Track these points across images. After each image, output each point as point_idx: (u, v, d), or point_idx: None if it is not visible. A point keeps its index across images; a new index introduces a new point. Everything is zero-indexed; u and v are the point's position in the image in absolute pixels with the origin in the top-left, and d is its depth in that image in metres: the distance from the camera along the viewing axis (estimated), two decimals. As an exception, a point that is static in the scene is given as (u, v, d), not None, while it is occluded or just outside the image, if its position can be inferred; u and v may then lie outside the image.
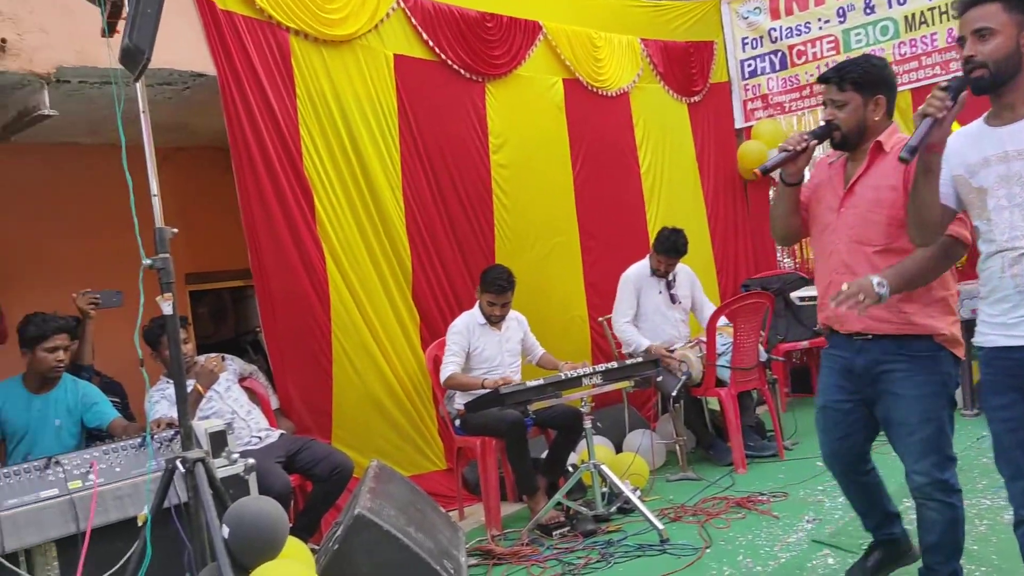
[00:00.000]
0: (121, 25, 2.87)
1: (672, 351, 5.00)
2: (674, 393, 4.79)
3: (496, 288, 4.55)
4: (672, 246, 5.14)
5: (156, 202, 2.75)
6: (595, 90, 6.03)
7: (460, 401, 4.54)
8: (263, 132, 4.26)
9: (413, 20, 4.94)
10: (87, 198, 4.89)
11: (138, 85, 2.74)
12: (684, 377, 4.82)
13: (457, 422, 4.59)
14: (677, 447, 4.98)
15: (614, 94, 6.17)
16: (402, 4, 4.88)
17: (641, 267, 5.29)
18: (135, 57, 2.52)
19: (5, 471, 2.83)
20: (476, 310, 4.68)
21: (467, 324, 4.62)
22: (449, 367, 4.48)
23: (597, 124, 6.01)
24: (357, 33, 4.66)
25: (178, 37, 3.87)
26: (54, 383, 3.80)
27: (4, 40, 3.45)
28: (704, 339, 5.01)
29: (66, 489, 2.88)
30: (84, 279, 4.26)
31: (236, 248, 4.65)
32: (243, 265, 4.52)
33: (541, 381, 4.08)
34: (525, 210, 5.47)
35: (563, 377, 4.11)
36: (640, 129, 6.37)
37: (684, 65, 6.82)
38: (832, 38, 6.73)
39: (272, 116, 4.30)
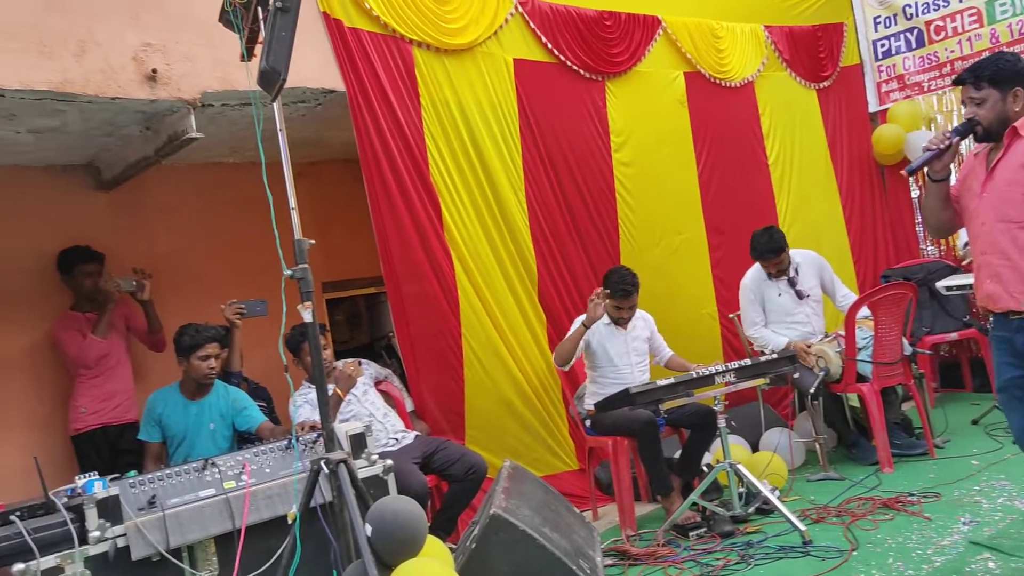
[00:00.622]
0: (258, 50, 3.05)
1: (808, 347, 4.82)
2: (812, 390, 4.63)
3: (621, 293, 4.53)
4: (767, 247, 4.94)
5: (295, 215, 2.88)
6: (718, 82, 5.91)
7: (590, 401, 4.54)
8: (390, 143, 4.39)
9: (531, 24, 4.98)
10: (232, 214, 5.17)
11: (275, 105, 2.89)
12: (822, 373, 4.65)
13: (587, 422, 4.59)
14: (817, 446, 4.81)
15: (738, 85, 6.02)
16: (520, 8, 4.93)
17: (756, 272, 5.11)
18: (272, 79, 2.66)
19: (168, 472, 3.04)
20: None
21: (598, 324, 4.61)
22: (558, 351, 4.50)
23: (721, 116, 5.88)
24: (477, 40, 4.74)
25: (309, 57, 4.04)
26: (208, 389, 4.04)
27: (155, 71, 3.70)
28: (842, 333, 4.81)
29: (222, 489, 3.06)
30: (232, 290, 4.51)
31: (369, 256, 4.82)
32: (376, 272, 4.67)
33: (672, 380, 4.03)
34: (649, 207, 5.42)
35: (694, 375, 4.04)
36: (767, 119, 6.18)
37: (812, 50, 6.58)
38: (974, 10, 6.33)
39: (399, 127, 4.42)
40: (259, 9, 2.94)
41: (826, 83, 6.67)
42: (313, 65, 4.16)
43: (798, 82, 6.48)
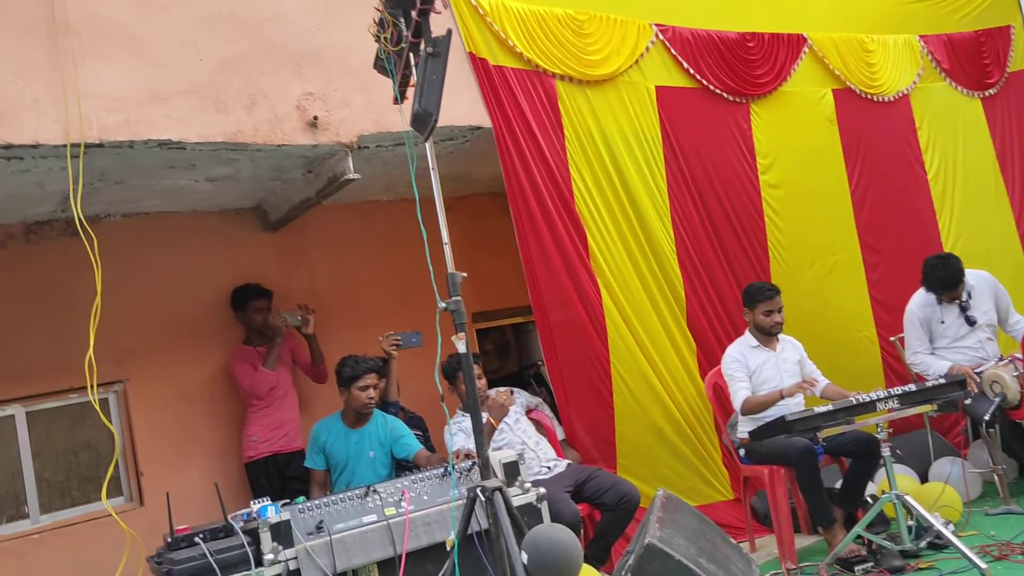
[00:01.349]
0: (410, 92, 3.20)
1: (980, 373, 4.52)
2: (987, 417, 4.32)
3: (767, 294, 4.45)
4: (945, 281, 4.63)
5: (447, 250, 2.99)
6: (869, 97, 5.69)
7: (744, 428, 4.42)
8: (536, 175, 4.48)
9: (672, 50, 4.97)
10: (387, 249, 5.41)
11: (427, 145, 3.03)
12: (999, 399, 4.34)
13: (742, 451, 4.47)
14: (995, 477, 4.48)
15: (892, 99, 5.78)
16: (661, 36, 4.94)
17: (924, 297, 4.82)
18: (425, 120, 2.78)
19: (333, 498, 3.20)
20: (747, 335, 4.57)
21: (740, 350, 4.52)
22: (740, 392, 4.37)
23: (874, 132, 5.65)
24: (619, 70, 4.78)
25: (457, 96, 4.19)
26: (367, 418, 4.22)
27: (316, 118, 3.95)
28: (1019, 356, 4.48)
29: (383, 515, 3.18)
30: (388, 322, 4.71)
31: (516, 286, 4.91)
32: (523, 302, 4.76)
33: (830, 407, 3.87)
34: (800, 229, 5.26)
35: (854, 402, 3.86)
36: (924, 132, 5.89)
37: (974, 57, 6.23)
38: None
39: (543, 159, 4.51)
40: (411, 55, 3.09)
41: (992, 91, 6.28)
42: (461, 104, 4.31)
43: (960, 92, 6.14)
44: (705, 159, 5.01)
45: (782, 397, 4.19)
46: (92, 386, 3.05)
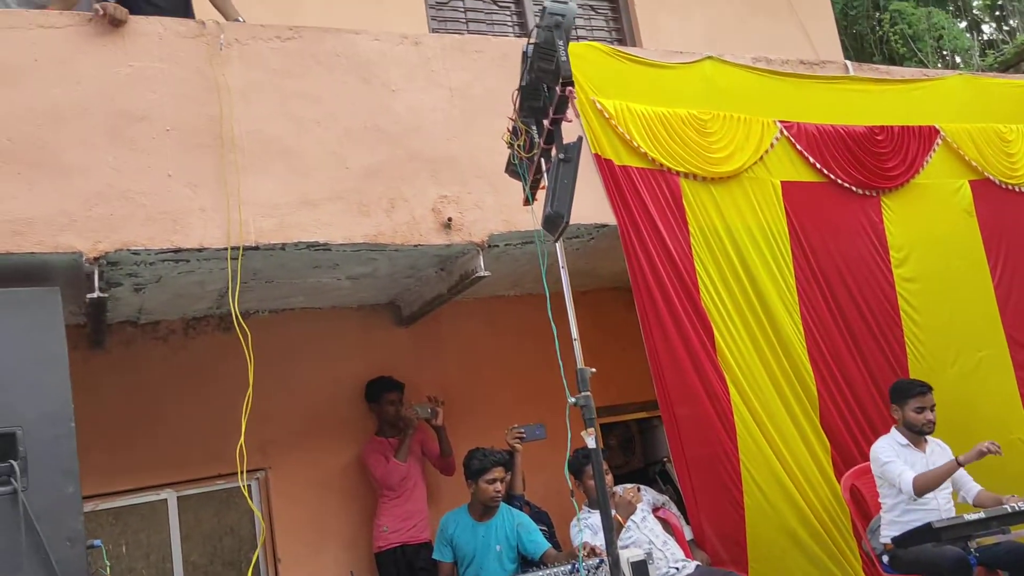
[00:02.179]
0: (540, 194, 3.36)
1: None
2: None
3: (919, 390, 4.31)
4: None
5: (577, 345, 3.07)
6: (1011, 187, 5.49)
7: (887, 533, 4.20)
8: (661, 271, 4.53)
9: (798, 146, 4.98)
10: (514, 343, 5.54)
11: (558, 244, 3.15)
12: None
13: (885, 558, 4.24)
14: None
15: (1035, 188, 5.56)
16: (785, 132, 4.97)
17: None
18: (556, 222, 2.92)
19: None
20: (894, 432, 4.38)
21: (890, 446, 4.33)
22: (906, 475, 4.17)
23: (1017, 223, 5.43)
24: (743, 167, 4.82)
25: (583, 195, 4.29)
26: (493, 512, 4.27)
27: (450, 219, 4.17)
28: None
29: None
30: (514, 415, 4.79)
31: (641, 380, 4.91)
32: (648, 396, 4.75)
33: (983, 514, 3.65)
34: (940, 325, 5.05)
35: (1010, 510, 3.63)
36: (1073, 222, 5.61)
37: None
38: None
39: (668, 255, 4.56)
40: (542, 160, 3.26)
41: None
42: (587, 203, 4.44)
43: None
44: (835, 253, 4.93)
45: (960, 465, 3.97)
46: (242, 472, 3.25)
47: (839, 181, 5.04)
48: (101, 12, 3.72)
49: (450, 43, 4.53)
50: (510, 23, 6.83)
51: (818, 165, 5.01)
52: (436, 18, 6.51)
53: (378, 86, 4.23)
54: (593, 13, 7.03)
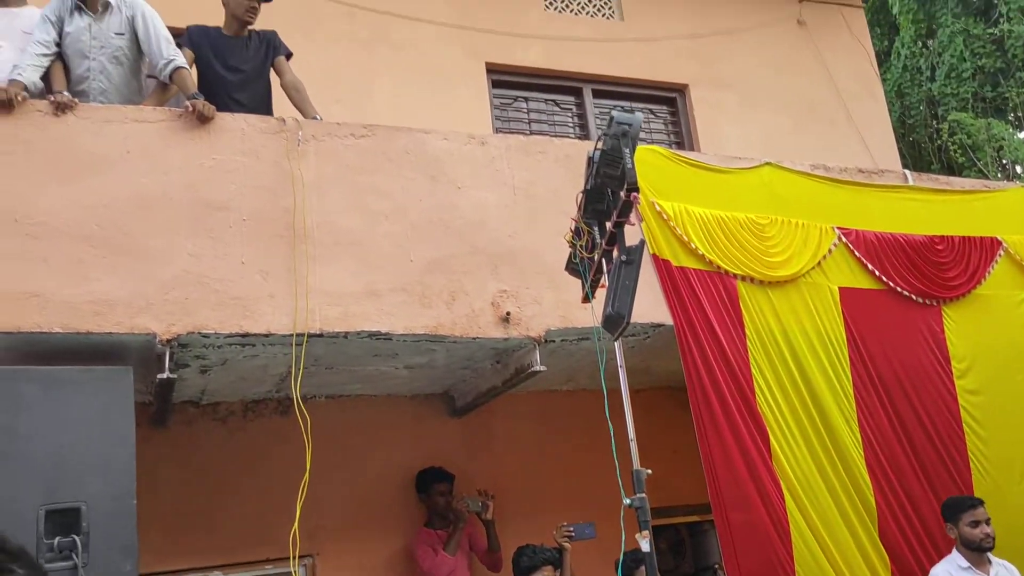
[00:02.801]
0: (599, 293, 3.43)
1: None
2: None
3: (970, 503, 4.21)
4: None
5: (633, 446, 3.08)
6: (1076, 300, 5.40)
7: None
8: (717, 372, 4.51)
9: (856, 253, 4.99)
10: (566, 439, 5.53)
11: (616, 344, 3.19)
12: None
13: None
14: None
15: (1103, 300, 5.45)
16: (844, 239, 4.99)
17: None
18: (617, 323, 2.97)
19: None
20: (954, 555, 4.24)
21: (948, 570, 4.18)
22: None
23: (1084, 336, 5.31)
24: (801, 272, 4.84)
25: (640, 294, 4.35)
26: (541, 610, 4.19)
27: (508, 313, 4.25)
28: None
29: None
30: (564, 512, 4.75)
31: (692, 482, 4.84)
32: (699, 500, 4.66)
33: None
34: (1006, 439, 4.91)
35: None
36: None
37: None
38: None
39: (724, 357, 4.55)
40: (603, 260, 3.33)
41: None
42: (643, 302, 4.46)
43: None
44: (894, 361, 4.87)
45: None
46: (294, 558, 3.27)
47: (899, 289, 5.02)
48: (191, 108, 3.97)
49: (515, 143, 4.70)
50: (571, 124, 7.05)
51: (877, 272, 5.00)
52: (500, 118, 6.77)
53: (445, 183, 4.40)
54: (652, 116, 7.22)
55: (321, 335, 3.89)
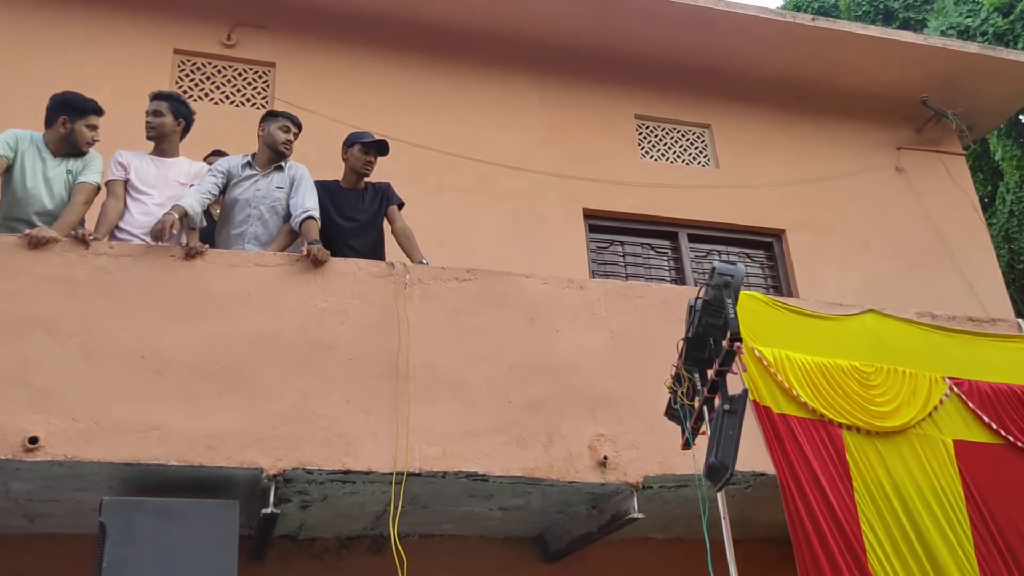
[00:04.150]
0: (699, 440, 3.39)
1: None
2: None
3: None
4: None
5: (740, 603, 2.95)
6: None
7: None
8: (824, 527, 4.31)
9: (970, 404, 4.78)
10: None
11: (720, 495, 3.12)
12: None
13: None
14: None
15: None
16: (956, 390, 4.80)
17: None
18: (720, 473, 2.92)
19: None
20: None
21: None
22: None
23: None
24: (911, 422, 4.65)
25: (742, 442, 4.29)
26: None
27: (606, 458, 4.21)
28: None
29: None
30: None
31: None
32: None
33: None
34: None
35: None
36: None
37: None
38: None
39: (831, 511, 4.35)
40: (704, 408, 3.31)
41: None
42: (745, 449, 4.36)
43: None
44: (1019, 522, 4.55)
45: None
46: None
47: (1019, 444, 4.76)
48: (307, 253, 4.23)
49: (613, 288, 4.79)
50: (667, 267, 7.14)
51: (994, 426, 4.76)
52: (596, 260, 6.92)
53: (543, 325, 4.49)
54: (749, 261, 7.25)
55: (420, 474, 3.94)
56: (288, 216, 4.75)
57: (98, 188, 4.51)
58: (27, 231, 3.99)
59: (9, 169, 4.39)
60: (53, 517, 4.23)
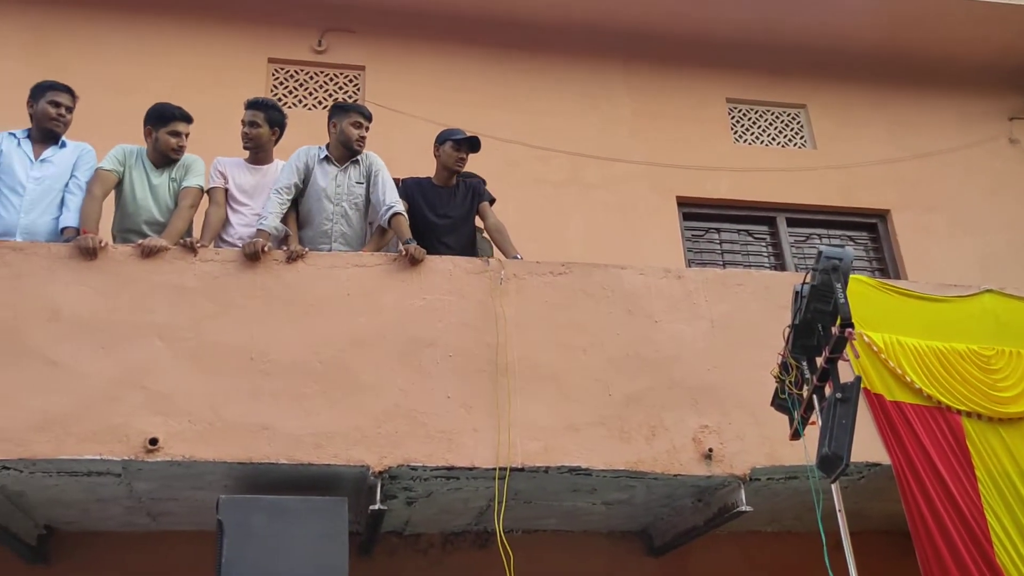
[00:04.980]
0: (809, 431, 3.27)
1: None
2: None
3: None
4: None
5: (857, 598, 2.84)
6: None
7: None
8: (945, 519, 4.12)
9: (1098, 387, 4.50)
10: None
11: (834, 487, 3.01)
12: None
13: None
14: None
15: None
16: (1082, 372, 4.52)
17: None
18: (834, 464, 2.81)
19: None
20: None
21: None
22: None
23: None
24: (1034, 408, 4.41)
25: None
26: None
27: (711, 450, 4.13)
28: None
29: None
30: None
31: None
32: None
33: None
34: None
35: None
36: None
37: None
38: None
39: (953, 502, 4.16)
40: (814, 397, 3.19)
41: None
42: (857, 439, 4.21)
43: None
44: None
45: None
46: None
47: None
48: (404, 253, 4.27)
49: (712, 276, 4.69)
50: (765, 253, 6.95)
51: (1124, 411, 4.47)
52: (692, 249, 6.78)
53: (641, 317, 4.42)
54: (852, 243, 6.99)
55: (522, 469, 3.93)
56: (366, 213, 4.78)
57: (202, 191, 4.66)
58: (139, 241, 4.16)
59: (119, 183, 4.58)
60: (173, 515, 4.42)
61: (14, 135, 4.51)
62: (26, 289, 3.90)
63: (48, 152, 4.51)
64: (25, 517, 4.23)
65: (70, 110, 4.57)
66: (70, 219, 4.37)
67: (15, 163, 4.41)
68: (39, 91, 4.55)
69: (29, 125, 4.57)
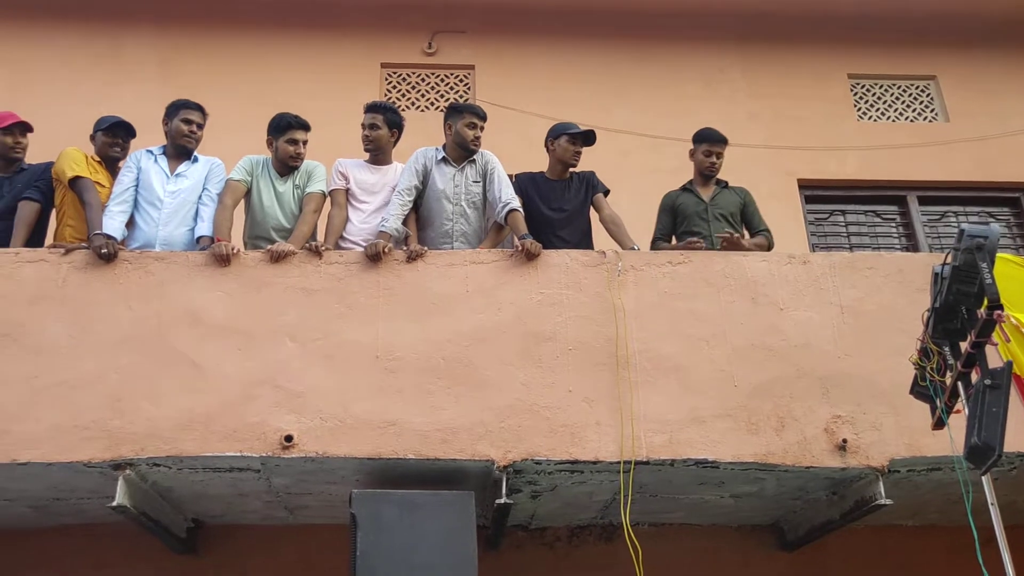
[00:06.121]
0: (954, 420, 3.09)
1: None
2: None
3: None
4: None
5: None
6: None
7: None
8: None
9: None
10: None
11: (985, 479, 2.83)
12: None
13: None
14: None
15: None
16: None
17: None
18: (985, 455, 2.65)
19: None
20: None
21: None
22: None
23: None
24: None
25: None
26: None
27: (844, 441, 3.96)
28: None
29: None
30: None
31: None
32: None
33: None
34: None
35: None
36: None
37: None
38: None
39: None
40: (959, 383, 3.01)
41: None
42: (1011, 428, 3.97)
43: None
44: None
45: None
46: None
47: None
48: (520, 248, 4.29)
49: (839, 261, 4.49)
50: (896, 234, 6.63)
51: None
52: (816, 233, 6.54)
53: (766, 305, 4.29)
54: (992, 220, 6.57)
55: (647, 462, 3.89)
56: (484, 210, 4.83)
57: (324, 196, 4.81)
58: (268, 247, 4.33)
59: (248, 192, 4.79)
60: (309, 509, 4.59)
61: (151, 152, 4.79)
62: (168, 296, 4.13)
63: (182, 167, 4.77)
64: (175, 511, 4.48)
65: (201, 127, 4.82)
66: (205, 229, 4.60)
67: (153, 179, 4.68)
68: (173, 110, 4.82)
69: (164, 142, 4.84)
